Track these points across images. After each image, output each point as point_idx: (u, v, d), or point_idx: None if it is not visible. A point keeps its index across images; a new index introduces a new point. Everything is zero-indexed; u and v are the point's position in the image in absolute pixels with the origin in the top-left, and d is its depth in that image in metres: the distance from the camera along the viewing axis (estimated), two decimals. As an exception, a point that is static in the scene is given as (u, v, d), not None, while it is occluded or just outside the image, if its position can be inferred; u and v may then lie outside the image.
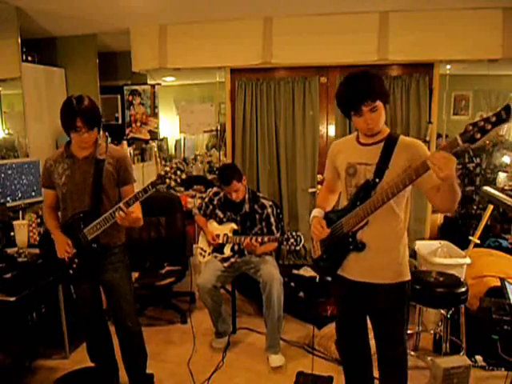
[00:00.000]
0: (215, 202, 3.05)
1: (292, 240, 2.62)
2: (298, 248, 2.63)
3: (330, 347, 2.77)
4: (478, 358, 2.66)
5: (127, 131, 4.67)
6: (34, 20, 3.72)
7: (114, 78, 4.72)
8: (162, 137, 5.24)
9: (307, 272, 3.56)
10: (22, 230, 2.88)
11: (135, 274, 3.24)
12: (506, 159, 4.34)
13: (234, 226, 2.92)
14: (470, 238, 3.02)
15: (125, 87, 4.66)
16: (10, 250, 2.79)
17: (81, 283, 2.26)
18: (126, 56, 4.16)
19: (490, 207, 3.07)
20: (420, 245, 3.36)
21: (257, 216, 2.93)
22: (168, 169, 1.97)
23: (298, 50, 3.72)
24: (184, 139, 5.43)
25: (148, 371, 2.45)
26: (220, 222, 3.01)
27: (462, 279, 2.69)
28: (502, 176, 4.11)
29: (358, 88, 1.69)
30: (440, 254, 3.25)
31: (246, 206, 2.93)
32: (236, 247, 2.92)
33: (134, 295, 2.33)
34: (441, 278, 2.62)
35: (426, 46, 3.52)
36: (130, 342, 2.32)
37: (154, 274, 3.31)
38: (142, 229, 3.47)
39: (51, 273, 2.50)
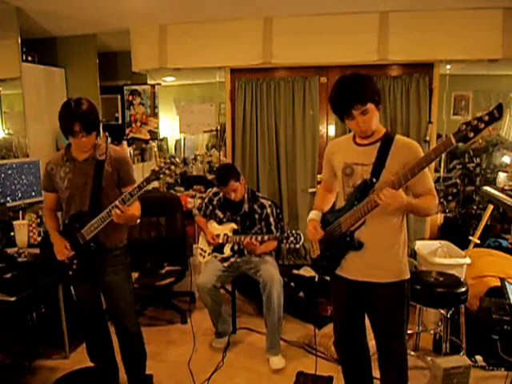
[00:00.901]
0: (215, 203, 3.05)
1: (292, 238, 2.62)
2: (297, 246, 2.63)
3: (330, 347, 2.77)
4: (478, 358, 2.65)
5: (127, 131, 4.68)
6: (33, 20, 3.72)
7: (114, 78, 4.72)
8: (162, 137, 5.24)
9: (307, 272, 3.56)
10: (22, 230, 2.88)
11: (135, 274, 3.24)
12: (506, 159, 4.33)
13: (233, 225, 2.92)
14: (470, 238, 3.02)
15: (125, 87, 4.66)
16: (10, 250, 2.80)
17: (80, 284, 2.26)
18: (126, 56, 4.16)
19: (490, 207, 3.07)
20: (420, 245, 3.35)
21: (256, 216, 2.93)
22: (162, 164, 1.97)
23: (298, 49, 3.73)
24: (184, 139, 5.44)
25: (148, 372, 2.45)
26: (220, 222, 3.01)
27: (461, 279, 2.69)
28: (501, 176, 4.10)
29: (347, 93, 1.71)
30: (440, 254, 3.25)
31: (246, 206, 2.93)
32: (236, 247, 2.92)
33: (134, 296, 2.33)
34: (441, 278, 2.62)
35: (426, 45, 3.52)
36: (129, 343, 2.32)
37: (154, 273, 3.31)
38: (142, 229, 3.47)
39: (51, 274, 2.50)
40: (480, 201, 4.16)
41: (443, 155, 4.00)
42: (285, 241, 2.64)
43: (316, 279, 3.37)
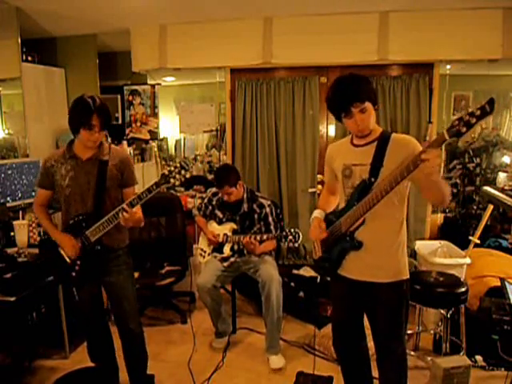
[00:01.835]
0: (214, 203, 3.05)
1: (290, 237, 2.62)
2: (296, 245, 2.64)
3: (330, 347, 2.77)
4: (478, 358, 2.66)
5: (127, 131, 4.67)
6: (34, 20, 3.72)
7: (114, 78, 4.72)
8: (162, 137, 5.23)
9: (307, 272, 3.56)
10: (22, 230, 2.88)
11: (135, 274, 3.23)
12: (506, 159, 4.33)
13: (233, 225, 2.93)
14: (470, 238, 3.02)
15: (125, 87, 4.66)
16: (9, 250, 2.79)
17: (82, 285, 2.24)
18: (126, 56, 4.16)
19: (490, 207, 3.07)
20: (420, 245, 3.36)
21: (255, 215, 2.93)
22: (172, 168, 1.95)
23: (298, 49, 3.72)
24: (184, 139, 5.43)
25: (148, 372, 2.45)
26: (219, 222, 3.01)
27: (462, 279, 2.69)
28: (501, 176, 4.10)
29: (347, 90, 1.74)
30: (440, 254, 3.25)
31: (245, 206, 2.93)
32: (236, 247, 2.92)
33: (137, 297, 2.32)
34: (441, 278, 2.62)
35: (426, 46, 3.52)
36: (132, 343, 2.32)
37: (154, 273, 3.31)
38: (142, 229, 3.46)
39: (51, 274, 2.50)
40: (480, 201, 4.16)
41: (443, 155, 4.02)
42: (283, 239, 2.64)
43: (318, 280, 3.36)
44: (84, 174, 2.10)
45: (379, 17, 3.55)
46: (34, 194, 3.35)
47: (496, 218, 4.07)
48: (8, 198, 3.14)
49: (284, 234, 2.64)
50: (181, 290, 3.58)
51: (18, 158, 3.73)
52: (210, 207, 3.07)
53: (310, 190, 3.93)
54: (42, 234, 3.04)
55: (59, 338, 2.77)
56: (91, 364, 2.41)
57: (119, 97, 4.77)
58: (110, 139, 4.27)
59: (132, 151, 4.56)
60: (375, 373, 2.07)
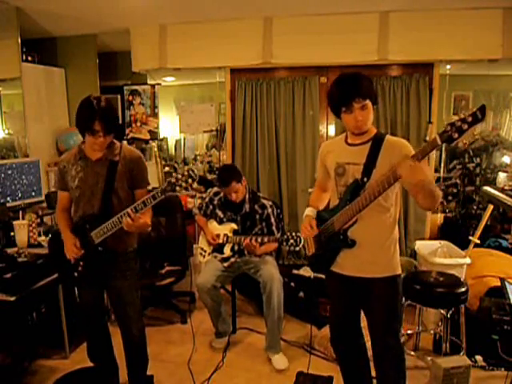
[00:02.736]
0: (215, 202, 3.05)
1: (292, 241, 2.62)
2: (297, 249, 2.64)
3: (329, 347, 2.76)
4: (478, 358, 2.65)
5: (127, 131, 4.67)
6: (34, 20, 3.72)
7: (114, 78, 4.72)
8: (162, 137, 5.23)
9: (307, 272, 3.55)
10: (22, 230, 2.88)
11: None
12: (506, 159, 4.33)
13: (234, 226, 2.92)
14: (470, 238, 3.02)
15: (125, 87, 4.65)
16: (9, 250, 2.79)
17: (85, 286, 2.23)
18: (126, 56, 4.16)
19: (490, 207, 3.07)
20: (420, 245, 3.35)
21: (257, 216, 2.93)
22: (180, 176, 1.92)
23: (298, 49, 3.73)
24: (184, 139, 5.43)
25: (148, 372, 2.45)
26: (220, 222, 3.01)
27: (462, 279, 2.69)
28: (501, 176, 4.10)
29: (350, 85, 1.77)
30: (440, 254, 3.25)
31: (247, 206, 2.93)
32: (236, 247, 2.92)
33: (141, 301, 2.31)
34: (441, 278, 2.62)
35: (426, 46, 3.52)
36: (133, 348, 2.31)
37: (154, 274, 3.31)
38: (142, 229, 3.46)
39: (57, 273, 2.49)
40: (480, 201, 4.16)
41: (443, 155, 4.02)
42: (284, 243, 2.64)
43: (312, 277, 3.36)
44: (93, 175, 2.06)
45: (379, 17, 3.56)
46: (33, 194, 3.36)
47: (496, 218, 4.07)
48: (8, 198, 3.14)
49: (285, 237, 2.63)
50: (181, 290, 3.58)
51: (18, 158, 3.73)
52: (211, 207, 3.07)
53: (310, 190, 3.92)
54: (42, 233, 3.04)
55: (59, 338, 2.76)
56: (91, 364, 2.41)
57: (119, 97, 4.77)
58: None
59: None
60: (375, 373, 2.07)
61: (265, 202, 2.96)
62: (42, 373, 2.65)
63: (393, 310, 1.91)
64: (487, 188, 3.69)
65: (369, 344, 2.05)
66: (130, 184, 2.11)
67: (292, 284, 3.42)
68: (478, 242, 3.05)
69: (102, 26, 3.97)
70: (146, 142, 4.78)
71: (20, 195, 3.25)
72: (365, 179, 1.80)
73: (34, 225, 3.00)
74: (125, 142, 4.55)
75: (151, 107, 4.63)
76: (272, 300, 2.68)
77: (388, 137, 1.85)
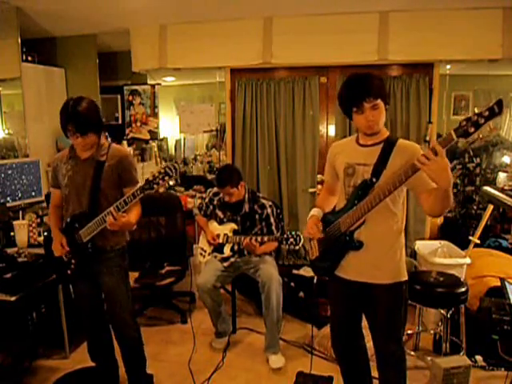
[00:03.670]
0: (215, 202, 3.05)
1: (292, 240, 2.62)
2: (297, 248, 2.64)
3: (330, 347, 2.77)
4: (478, 358, 2.65)
5: (127, 131, 4.68)
6: (33, 20, 3.72)
7: (114, 78, 4.72)
8: (162, 137, 5.24)
9: (307, 272, 3.55)
10: (22, 230, 2.88)
11: (135, 274, 3.24)
12: (506, 159, 4.33)
13: (234, 225, 2.92)
14: (470, 238, 3.02)
15: (125, 87, 4.66)
16: (9, 250, 2.79)
17: (79, 283, 2.26)
18: (126, 56, 4.16)
19: (490, 207, 3.07)
20: (420, 245, 3.35)
21: (256, 216, 2.93)
22: (157, 174, 1.93)
23: (298, 49, 3.72)
24: (184, 139, 5.43)
25: (148, 371, 2.45)
26: (220, 222, 3.01)
27: (462, 279, 2.69)
28: (501, 176, 4.10)
29: (361, 85, 1.74)
30: (440, 254, 3.25)
31: (246, 206, 2.93)
32: (236, 247, 2.92)
33: (132, 298, 2.31)
34: (441, 278, 2.62)
35: (425, 46, 3.52)
36: (126, 346, 2.32)
37: (154, 274, 3.31)
38: (142, 229, 3.47)
39: (52, 271, 2.50)
40: (480, 201, 4.16)
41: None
42: (284, 242, 2.64)
43: (315, 280, 3.36)
44: (81, 174, 2.12)
45: (379, 17, 3.55)
46: (33, 194, 3.35)
47: (496, 218, 4.07)
48: (8, 198, 3.14)
49: (285, 236, 2.63)
50: (181, 290, 3.58)
51: (18, 158, 3.73)
52: (211, 207, 3.07)
53: (310, 190, 3.93)
54: (42, 233, 3.04)
55: (59, 337, 2.76)
56: (91, 364, 2.41)
57: (119, 97, 4.78)
58: (109, 139, 4.27)
59: (132, 151, 4.56)
60: (375, 373, 2.07)
61: (264, 201, 2.96)
62: (42, 373, 2.65)
63: (396, 316, 1.88)
64: (487, 188, 3.69)
65: (369, 344, 2.05)
66: (119, 183, 2.14)
67: (292, 284, 3.42)
68: (478, 242, 3.05)
69: (102, 25, 3.97)
70: (146, 141, 4.79)
71: (20, 195, 3.25)
72: (374, 179, 1.77)
73: (34, 225, 3.00)
74: (125, 143, 4.56)
75: (151, 107, 4.63)
76: (271, 300, 2.68)
77: (400, 140, 1.81)
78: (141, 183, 1.98)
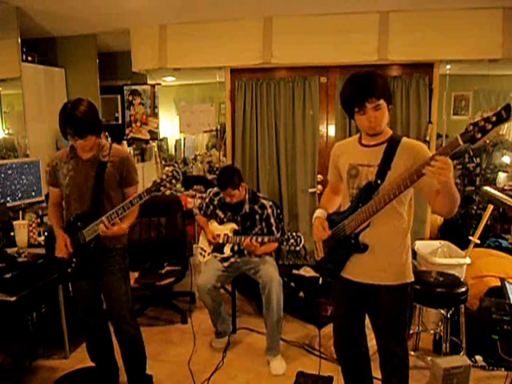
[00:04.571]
0: (215, 202, 3.05)
1: (292, 240, 2.62)
2: (297, 248, 2.63)
3: (330, 347, 2.77)
4: (478, 358, 2.65)
5: (127, 131, 4.67)
6: (33, 20, 3.72)
7: (114, 78, 4.72)
8: (162, 137, 5.24)
9: (307, 272, 3.56)
10: (22, 230, 2.88)
11: (135, 274, 3.24)
12: (505, 159, 4.34)
13: (234, 226, 2.92)
14: (470, 238, 3.02)
15: (125, 87, 4.66)
16: (9, 250, 2.79)
17: (78, 282, 2.27)
18: (126, 56, 4.16)
19: (490, 207, 3.07)
20: (420, 245, 3.35)
21: (257, 216, 2.93)
22: (164, 177, 1.96)
23: (298, 49, 3.73)
24: (184, 139, 5.43)
25: (148, 372, 2.45)
26: (220, 222, 3.01)
27: (462, 279, 2.69)
28: (502, 176, 4.11)
29: (363, 85, 1.70)
30: (440, 254, 3.26)
31: (246, 207, 2.93)
32: (236, 247, 2.92)
33: (132, 297, 2.31)
34: (441, 278, 2.62)
35: (426, 46, 3.52)
36: (126, 345, 2.32)
37: (154, 274, 3.31)
38: (142, 229, 3.47)
39: (53, 270, 2.50)
40: (480, 201, 4.16)
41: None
42: (285, 243, 2.64)
43: (320, 281, 3.35)
44: (82, 175, 2.13)
45: (379, 17, 3.55)
46: (33, 194, 3.35)
47: (496, 218, 4.07)
48: (8, 198, 3.14)
49: (286, 237, 2.63)
50: (181, 290, 3.58)
51: (18, 157, 3.73)
52: (212, 207, 3.07)
53: (310, 190, 3.93)
54: (42, 233, 3.04)
55: (59, 337, 2.76)
56: (91, 364, 2.41)
57: (119, 97, 4.78)
58: (109, 139, 4.28)
59: (132, 151, 4.57)
60: (375, 373, 2.07)
61: (265, 202, 2.96)
62: (42, 373, 2.64)
63: (401, 317, 1.86)
64: (487, 188, 3.69)
65: (370, 343, 2.05)
66: (120, 183, 2.17)
67: (292, 284, 3.42)
68: (478, 242, 3.05)
69: (101, 26, 3.97)
70: (146, 141, 4.78)
71: (20, 195, 3.25)
72: (378, 181, 1.74)
73: (33, 225, 3.00)
74: (125, 143, 4.56)
75: (151, 107, 4.63)
76: (271, 302, 2.68)
77: (404, 139, 1.78)
78: (147, 185, 1.99)
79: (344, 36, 3.63)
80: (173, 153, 5.63)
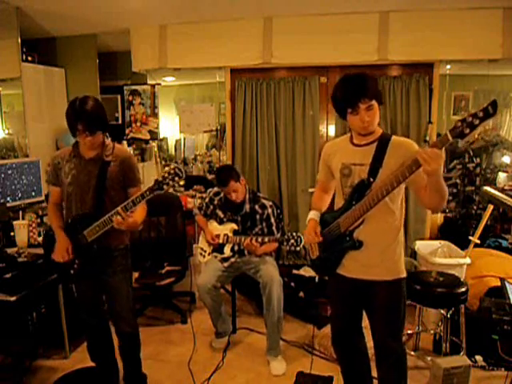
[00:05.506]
0: (215, 202, 3.05)
1: (292, 241, 2.62)
2: (298, 249, 2.64)
3: (330, 347, 2.77)
4: (478, 358, 2.65)
5: (127, 131, 4.67)
6: (33, 20, 3.72)
7: (114, 78, 4.72)
8: (162, 137, 5.24)
9: (307, 272, 3.56)
10: (22, 230, 2.88)
11: (135, 274, 3.24)
12: (506, 159, 4.33)
13: (234, 226, 2.92)
14: (470, 238, 3.02)
15: (125, 87, 4.66)
16: (9, 250, 2.79)
17: (81, 282, 2.26)
18: (126, 56, 4.16)
19: (490, 207, 3.07)
20: (420, 245, 3.35)
21: (257, 216, 2.93)
22: (166, 174, 1.94)
23: (298, 49, 3.73)
24: (184, 139, 5.43)
25: (148, 372, 2.45)
26: (220, 222, 3.01)
27: (462, 279, 2.69)
28: (502, 176, 4.11)
29: (356, 86, 1.73)
30: (440, 254, 3.25)
31: (247, 207, 2.93)
32: (236, 247, 2.92)
33: (134, 297, 2.31)
34: (441, 278, 2.62)
35: (426, 46, 3.52)
36: (124, 343, 2.32)
37: (154, 274, 3.31)
38: (142, 229, 3.45)
39: (53, 271, 2.50)
40: (480, 201, 4.16)
41: (443, 154, 4.01)
42: (285, 243, 2.64)
43: (316, 280, 3.36)
44: (85, 174, 2.11)
45: (379, 17, 3.56)
46: (33, 194, 3.35)
47: (496, 218, 4.07)
48: (8, 198, 3.14)
49: (286, 237, 2.64)
50: (181, 290, 3.58)
51: (18, 158, 3.73)
52: (212, 207, 3.07)
53: (310, 190, 3.93)
54: (42, 233, 3.04)
55: (59, 338, 2.76)
56: (91, 364, 2.41)
57: (119, 97, 4.78)
58: (110, 139, 4.27)
59: (132, 151, 4.56)
60: (375, 373, 2.07)
61: (265, 202, 2.96)
62: (42, 373, 2.65)
63: (396, 313, 1.89)
64: (487, 188, 3.69)
65: (369, 344, 2.05)
66: (123, 183, 2.15)
67: (292, 284, 3.42)
68: (478, 241, 3.05)
69: (101, 25, 3.97)
70: (146, 141, 4.78)
71: (20, 195, 3.25)
72: (371, 179, 1.78)
73: (33, 225, 3.00)
74: (125, 143, 4.56)
75: (151, 107, 4.63)
76: (272, 302, 2.68)
77: (394, 137, 1.83)
78: (150, 184, 1.98)
79: (344, 36, 3.63)
80: (173, 153, 5.62)
